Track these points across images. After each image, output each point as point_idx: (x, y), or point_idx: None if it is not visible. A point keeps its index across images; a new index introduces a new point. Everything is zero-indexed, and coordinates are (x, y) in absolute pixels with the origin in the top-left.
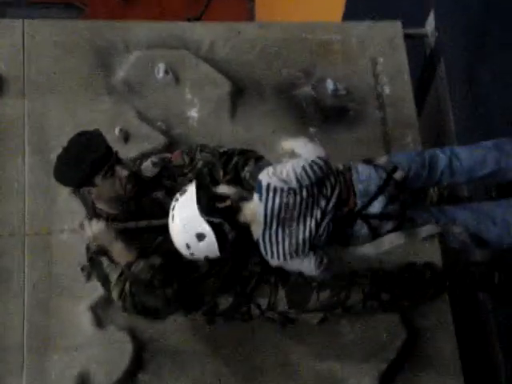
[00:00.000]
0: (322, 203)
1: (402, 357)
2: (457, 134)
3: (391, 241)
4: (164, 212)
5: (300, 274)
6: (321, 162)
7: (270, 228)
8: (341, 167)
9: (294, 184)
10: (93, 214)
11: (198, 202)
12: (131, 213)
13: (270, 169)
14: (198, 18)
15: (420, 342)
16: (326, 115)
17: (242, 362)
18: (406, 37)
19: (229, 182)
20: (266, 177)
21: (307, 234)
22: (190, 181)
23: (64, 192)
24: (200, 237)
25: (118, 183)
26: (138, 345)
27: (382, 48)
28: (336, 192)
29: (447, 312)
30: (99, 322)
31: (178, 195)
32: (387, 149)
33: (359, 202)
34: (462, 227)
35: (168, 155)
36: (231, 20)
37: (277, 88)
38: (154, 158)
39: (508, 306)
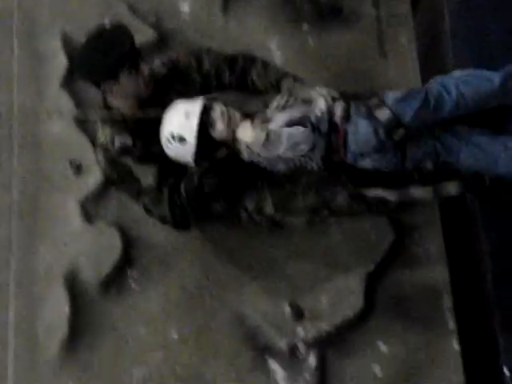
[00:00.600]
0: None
1: (389, 257)
2: (451, 31)
3: (419, 194)
4: None
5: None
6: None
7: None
8: (339, 112)
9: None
10: (105, 113)
11: (195, 158)
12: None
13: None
14: None
15: (408, 242)
16: (320, 12)
17: (230, 259)
18: None
19: (236, 87)
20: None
21: None
22: (200, 85)
23: (53, 85)
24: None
25: (140, 80)
26: (127, 241)
27: None
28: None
29: (435, 212)
30: (88, 217)
31: (187, 105)
32: (382, 48)
33: (349, 156)
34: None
35: (175, 55)
36: None
37: None
38: (162, 58)
39: (496, 208)
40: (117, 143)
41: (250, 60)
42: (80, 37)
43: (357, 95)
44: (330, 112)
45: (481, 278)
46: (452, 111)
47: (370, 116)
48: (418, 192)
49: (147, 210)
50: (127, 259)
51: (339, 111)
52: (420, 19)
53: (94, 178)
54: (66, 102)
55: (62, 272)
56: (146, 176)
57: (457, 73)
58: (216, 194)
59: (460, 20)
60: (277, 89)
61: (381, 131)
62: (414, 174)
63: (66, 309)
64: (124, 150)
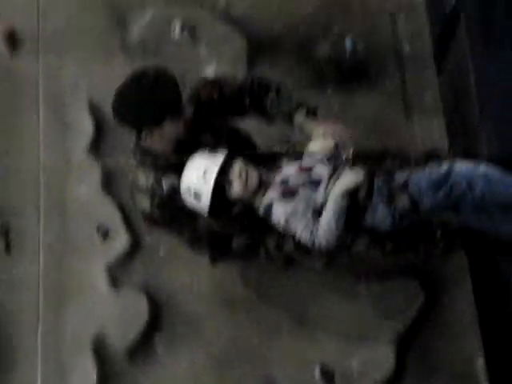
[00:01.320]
0: None
1: (419, 319)
2: (477, 93)
3: None
4: None
5: None
6: (324, 246)
7: None
8: (362, 193)
9: None
10: (138, 151)
11: (210, 211)
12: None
13: (283, 218)
14: None
15: (438, 304)
16: (344, 74)
17: (258, 324)
18: None
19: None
20: (276, 219)
21: None
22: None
23: (78, 150)
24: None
25: (182, 124)
26: (154, 306)
27: (402, 5)
28: None
29: (465, 273)
30: (115, 283)
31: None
32: (407, 110)
33: (366, 224)
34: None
35: (195, 90)
36: None
37: (294, 46)
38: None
39: None
40: (165, 186)
41: (264, 87)
42: (106, 103)
43: (382, 155)
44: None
45: None
46: (470, 210)
47: (390, 202)
48: None
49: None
50: (154, 325)
51: (363, 192)
52: (445, 78)
53: (120, 242)
54: (92, 168)
55: (89, 338)
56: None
57: (488, 171)
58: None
59: (485, 78)
60: (289, 121)
61: (397, 216)
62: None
63: (93, 376)
64: (174, 192)
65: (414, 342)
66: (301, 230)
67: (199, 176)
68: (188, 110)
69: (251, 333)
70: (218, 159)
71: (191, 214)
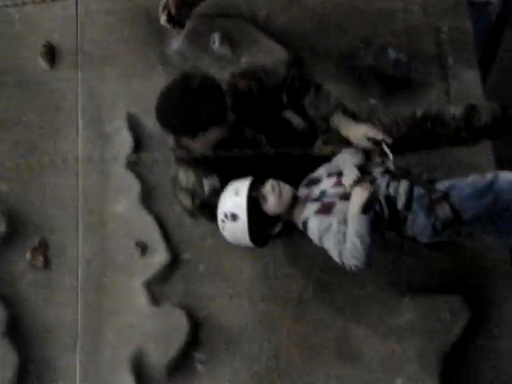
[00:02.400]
0: None
1: (466, 337)
2: None
3: None
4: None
5: None
6: (353, 268)
7: None
8: (402, 199)
9: None
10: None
11: (251, 231)
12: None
13: (317, 233)
14: None
15: (485, 321)
16: (387, 86)
17: (300, 342)
18: (471, 4)
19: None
20: (310, 232)
21: None
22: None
23: (118, 166)
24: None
25: (225, 127)
26: (194, 323)
27: (446, 16)
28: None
29: None
30: (154, 299)
31: (237, 183)
32: None
33: (407, 234)
34: None
35: (231, 81)
36: None
37: (336, 58)
38: (224, 88)
39: None
40: (206, 187)
41: (304, 86)
42: (144, 116)
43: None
44: (392, 198)
45: None
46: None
47: (430, 211)
48: None
49: None
50: (194, 341)
51: (402, 197)
52: (490, 88)
53: (159, 258)
54: (131, 182)
55: (128, 355)
56: None
57: None
58: None
59: None
60: (325, 123)
61: (438, 225)
62: None
63: None
64: (214, 192)
65: (459, 361)
66: (331, 248)
67: (231, 196)
68: (227, 99)
69: (293, 351)
70: (248, 179)
71: None
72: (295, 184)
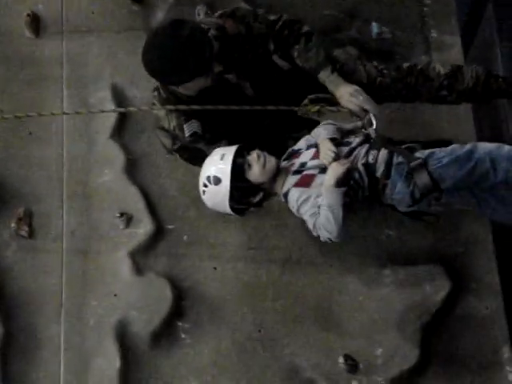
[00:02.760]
0: None
1: (445, 308)
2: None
3: None
4: (242, 94)
5: None
6: (326, 240)
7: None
8: (381, 168)
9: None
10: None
11: (231, 197)
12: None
13: (295, 205)
14: None
15: (465, 292)
16: (369, 57)
17: (282, 312)
18: None
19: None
20: (291, 202)
21: None
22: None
23: (102, 136)
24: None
25: (210, 76)
26: (178, 292)
27: None
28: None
29: (492, 259)
30: (138, 269)
31: (223, 149)
32: None
33: (387, 202)
34: None
35: (220, 21)
36: None
37: (320, 30)
38: (212, 31)
39: None
40: (187, 132)
41: (294, 35)
42: (129, 87)
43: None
44: (371, 166)
45: None
46: (491, 188)
47: (409, 178)
48: None
49: None
50: (178, 311)
51: (381, 167)
52: (472, 63)
53: (144, 229)
54: (115, 153)
55: (112, 324)
56: None
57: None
58: None
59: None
60: (314, 74)
61: (416, 193)
62: None
63: (116, 362)
64: (196, 139)
65: (439, 330)
66: (308, 220)
67: (217, 160)
68: (214, 45)
69: (276, 320)
70: (234, 146)
71: None
72: (277, 147)
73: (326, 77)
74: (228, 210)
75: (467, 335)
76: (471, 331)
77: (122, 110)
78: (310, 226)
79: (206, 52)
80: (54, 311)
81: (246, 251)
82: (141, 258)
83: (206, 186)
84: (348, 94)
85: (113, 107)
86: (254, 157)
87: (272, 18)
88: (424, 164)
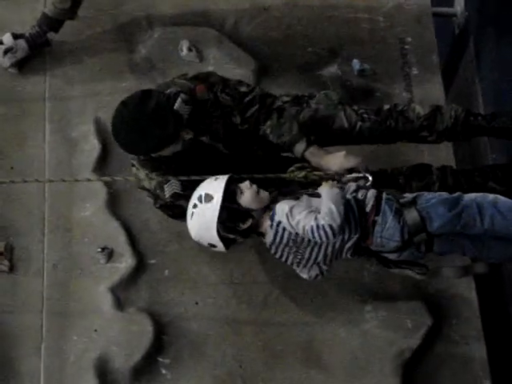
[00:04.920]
0: (336, 245)
1: (426, 344)
2: (485, 107)
3: (449, 273)
4: (217, 154)
5: None
6: (329, 231)
7: (278, 247)
8: (371, 203)
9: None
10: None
11: (220, 218)
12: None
13: (287, 208)
14: None
15: (445, 328)
16: (352, 96)
17: (263, 348)
18: (435, 16)
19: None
20: (280, 212)
21: (313, 259)
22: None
23: (85, 171)
24: (212, 246)
25: (180, 143)
26: (159, 328)
27: (410, 27)
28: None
29: (473, 295)
30: (119, 304)
31: (201, 197)
32: None
33: (375, 246)
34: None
35: (192, 85)
36: None
37: (302, 67)
38: (183, 96)
39: None
40: (167, 193)
41: (265, 112)
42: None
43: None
44: (360, 202)
45: None
46: (477, 235)
47: (399, 214)
48: (449, 272)
49: None
50: (159, 346)
51: (371, 201)
52: (453, 100)
53: (125, 263)
54: (97, 187)
55: (92, 360)
56: None
57: (497, 198)
58: None
59: (494, 105)
60: (288, 149)
61: (405, 233)
62: None
63: None
64: (176, 199)
65: (420, 366)
66: (303, 217)
67: (210, 181)
68: (187, 108)
69: (257, 356)
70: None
71: None
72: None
73: (302, 150)
74: (214, 234)
75: (448, 371)
76: (452, 367)
77: (107, 178)
78: (308, 220)
79: (170, 126)
80: (35, 347)
81: (227, 286)
82: (122, 292)
83: (195, 206)
84: (338, 167)
85: (96, 141)
86: (246, 184)
87: (243, 89)
88: (413, 202)
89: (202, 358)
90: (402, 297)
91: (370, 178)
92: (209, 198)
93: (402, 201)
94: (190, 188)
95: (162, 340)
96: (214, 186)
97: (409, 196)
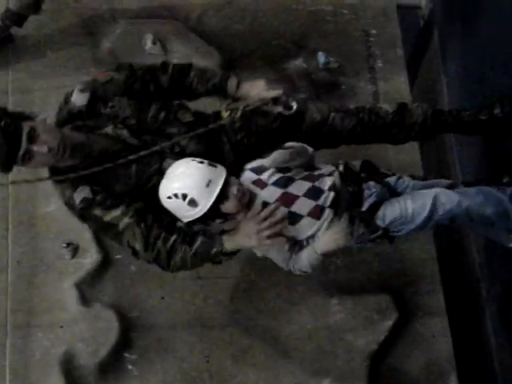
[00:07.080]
0: None
1: (392, 336)
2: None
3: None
4: (126, 146)
5: None
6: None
7: None
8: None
9: None
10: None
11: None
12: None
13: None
14: None
15: (412, 320)
16: (317, 88)
17: (230, 342)
18: (399, 8)
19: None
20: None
21: None
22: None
23: None
24: None
25: (41, 160)
26: (125, 323)
27: (375, 19)
28: None
29: (438, 288)
30: (85, 300)
31: (210, 172)
32: None
33: None
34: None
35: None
36: None
37: (267, 60)
38: (79, 86)
39: None
40: (77, 201)
41: (186, 65)
42: None
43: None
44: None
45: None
46: None
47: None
48: None
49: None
50: (125, 342)
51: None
52: (418, 93)
53: (90, 259)
54: None
55: (58, 357)
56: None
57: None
58: None
59: (459, 96)
60: (221, 92)
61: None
62: None
63: None
64: (87, 205)
65: (386, 359)
66: (276, 258)
67: (201, 185)
68: (85, 96)
69: (224, 350)
70: (221, 173)
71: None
72: None
73: (236, 83)
74: (182, 220)
75: (414, 364)
76: (418, 360)
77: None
78: (283, 264)
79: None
80: None
81: (194, 281)
82: (87, 288)
83: (175, 196)
84: (255, 94)
85: None
86: (234, 192)
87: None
88: (385, 233)
89: (168, 352)
90: (369, 290)
91: (295, 107)
92: (193, 203)
93: (374, 235)
94: (102, 194)
95: (128, 336)
96: (203, 195)
97: (381, 225)
